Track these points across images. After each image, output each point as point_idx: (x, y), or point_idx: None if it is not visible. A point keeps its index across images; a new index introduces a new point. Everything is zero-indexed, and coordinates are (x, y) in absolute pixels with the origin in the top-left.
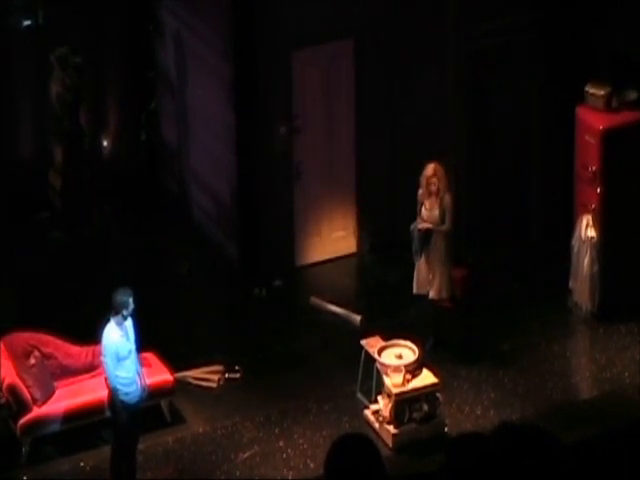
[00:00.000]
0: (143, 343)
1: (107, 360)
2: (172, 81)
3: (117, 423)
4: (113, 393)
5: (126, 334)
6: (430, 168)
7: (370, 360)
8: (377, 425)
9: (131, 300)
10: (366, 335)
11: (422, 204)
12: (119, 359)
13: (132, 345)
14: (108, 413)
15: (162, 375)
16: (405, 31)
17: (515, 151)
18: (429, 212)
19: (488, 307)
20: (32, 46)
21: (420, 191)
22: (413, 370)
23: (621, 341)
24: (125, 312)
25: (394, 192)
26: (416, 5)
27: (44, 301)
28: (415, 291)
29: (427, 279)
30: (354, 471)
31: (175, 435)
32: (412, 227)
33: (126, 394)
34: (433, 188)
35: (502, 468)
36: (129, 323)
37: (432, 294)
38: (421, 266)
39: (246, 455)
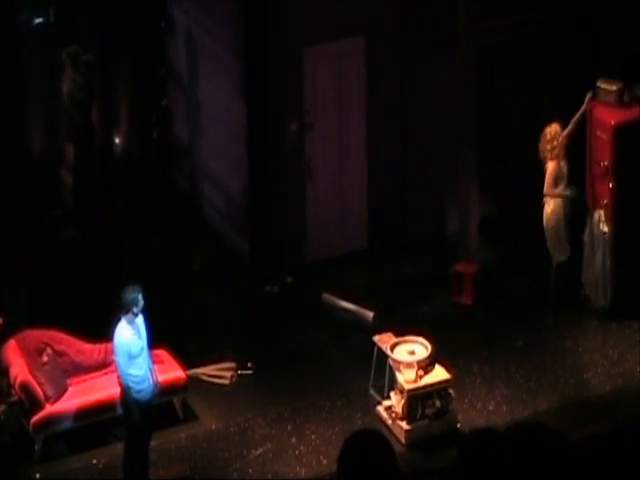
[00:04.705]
0: (155, 340)
1: (119, 359)
2: (183, 78)
3: (130, 421)
4: (125, 391)
5: (138, 332)
6: (548, 132)
7: (383, 356)
8: (390, 421)
9: (140, 297)
10: (379, 331)
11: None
12: (131, 357)
13: (144, 342)
14: (120, 411)
15: (174, 372)
16: (416, 27)
17: (527, 146)
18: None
19: (500, 303)
20: (43, 44)
21: (551, 164)
22: (425, 366)
23: (633, 336)
24: (135, 309)
25: (406, 188)
26: (427, 0)
27: (56, 299)
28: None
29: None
30: (367, 467)
31: (188, 432)
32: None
33: (138, 392)
34: (548, 153)
35: (515, 464)
36: (140, 320)
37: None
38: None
39: (259, 452)
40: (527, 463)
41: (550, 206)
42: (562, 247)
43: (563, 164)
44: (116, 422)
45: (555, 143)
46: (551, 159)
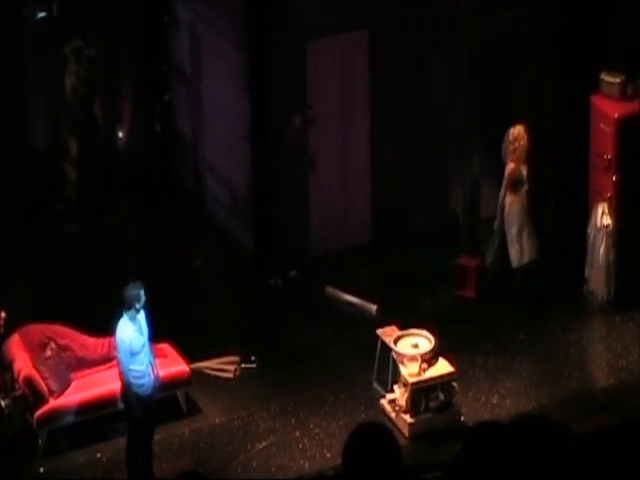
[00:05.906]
0: (159, 335)
1: (121, 356)
2: (186, 72)
3: (131, 416)
4: (127, 387)
5: (139, 328)
6: (511, 132)
7: (386, 349)
8: (393, 414)
9: (142, 293)
10: (382, 324)
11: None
12: (132, 354)
13: (145, 339)
14: (122, 406)
15: (178, 366)
16: (419, 21)
17: (530, 140)
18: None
19: (504, 296)
20: (46, 38)
21: (512, 165)
22: (429, 359)
23: (637, 329)
24: (137, 305)
25: (409, 181)
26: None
27: (60, 293)
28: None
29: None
30: (372, 460)
31: (191, 426)
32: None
33: (140, 386)
34: (510, 154)
35: (519, 457)
36: (142, 316)
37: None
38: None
39: (262, 445)
40: (531, 456)
41: (510, 207)
42: (524, 249)
43: (523, 168)
44: (120, 416)
45: (517, 145)
46: (512, 161)
